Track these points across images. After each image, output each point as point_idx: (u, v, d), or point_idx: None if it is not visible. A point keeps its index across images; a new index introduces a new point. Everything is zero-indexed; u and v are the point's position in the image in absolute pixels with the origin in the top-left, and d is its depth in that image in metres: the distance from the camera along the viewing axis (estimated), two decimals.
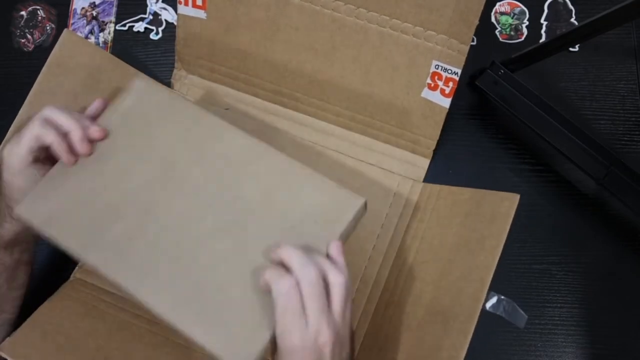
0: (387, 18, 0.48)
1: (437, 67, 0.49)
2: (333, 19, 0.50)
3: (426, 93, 0.51)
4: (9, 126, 0.46)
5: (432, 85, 0.50)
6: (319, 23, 0.51)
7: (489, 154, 0.57)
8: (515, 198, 0.41)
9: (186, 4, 0.54)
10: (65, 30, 0.49)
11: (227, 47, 0.55)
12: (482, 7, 0.45)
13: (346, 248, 0.52)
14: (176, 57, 0.58)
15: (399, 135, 0.54)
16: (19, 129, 0.46)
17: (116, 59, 0.54)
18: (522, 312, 0.52)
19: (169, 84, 0.59)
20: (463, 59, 0.48)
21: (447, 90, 0.50)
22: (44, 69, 0.48)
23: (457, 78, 0.49)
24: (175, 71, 0.59)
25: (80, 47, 0.50)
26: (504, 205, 0.42)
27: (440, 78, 0.50)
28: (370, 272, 0.52)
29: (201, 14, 0.54)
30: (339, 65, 0.52)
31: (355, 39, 0.50)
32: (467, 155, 0.57)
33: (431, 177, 0.55)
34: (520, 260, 0.54)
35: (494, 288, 0.53)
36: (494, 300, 0.53)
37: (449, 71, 0.49)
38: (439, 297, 0.43)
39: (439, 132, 0.52)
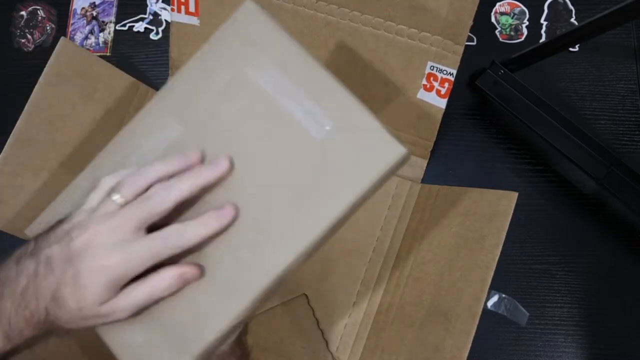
0: (382, 20, 0.48)
1: (432, 68, 0.49)
2: (327, 22, 0.50)
3: (422, 94, 0.51)
4: (8, 126, 0.47)
5: (428, 86, 0.50)
6: (313, 27, 0.51)
7: (489, 154, 0.57)
8: (514, 196, 0.41)
9: (179, 11, 0.53)
10: (62, 39, 0.49)
11: None
12: (475, 8, 0.45)
13: (347, 250, 0.53)
14: (170, 64, 0.58)
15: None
16: (18, 139, 0.46)
17: (113, 67, 0.54)
18: (524, 310, 0.52)
19: None
20: (458, 59, 0.48)
21: (443, 91, 0.50)
22: (40, 79, 0.48)
23: (452, 79, 0.49)
24: (170, 78, 0.59)
25: (77, 56, 0.50)
26: (502, 204, 0.42)
27: (435, 79, 0.50)
28: (370, 275, 0.52)
29: (194, 20, 0.54)
30: (333, 69, 0.52)
31: (349, 42, 0.50)
32: (467, 155, 0.57)
33: (431, 177, 0.55)
34: (520, 260, 0.54)
35: (494, 288, 0.53)
36: (495, 298, 0.53)
37: (445, 72, 0.49)
38: (440, 297, 0.43)
39: (435, 133, 0.52)
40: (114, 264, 0.29)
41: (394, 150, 0.31)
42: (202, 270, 0.31)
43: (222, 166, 0.31)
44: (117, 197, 0.30)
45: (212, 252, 0.32)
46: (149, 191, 0.30)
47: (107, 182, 0.32)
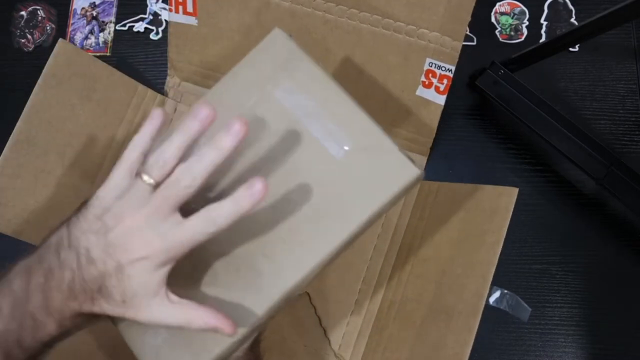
0: (380, 18, 0.48)
1: (430, 64, 0.49)
2: (325, 20, 0.50)
3: (421, 91, 0.51)
4: (8, 127, 0.47)
5: (427, 83, 0.50)
6: (311, 25, 0.50)
7: (489, 154, 0.57)
8: (514, 191, 0.41)
9: (177, 11, 0.53)
10: (60, 40, 0.49)
11: (220, 53, 0.55)
12: (473, 4, 0.45)
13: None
14: (169, 65, 0.58)
15: (396, 134, 0.54)
16: (18, 141, 0.46)
17: (111, 68, 0.54)
18: (526, 305, 0.52)
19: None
20: (456, 55, 0.48)
21: (442, 88, 0.50)
22: (39, 81, 0.48)
23: (451, 75, 0.49)
24: (168, 78, 0.59)
25: (75, 58, 0.50)
26: (502, 200, 0.42)
27: (434, 75, 0.50)
28: (372, 272, 0.52)
29: (192, 20, 0.54)
30: (332, 68, 0.52)
31: (348, 40, 0.50)
32: (467, 155, 0.57)
33: (432, 177, 0.55)
34: (520, 260, 0.54)
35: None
36: (497, 294, 0.53)
37: (443, 68, 0.49)
38: (441, 294, 0.44)
39: (435, 129, 0.52)
40: (154, 253, 0.29)
41: (408, 171, 0.33)
42: (234, 329, 0.31)
43: (237, 129, 0.30)
44: (147, 179, 0.29)
45: (232, 259, 0.34)
46: (175, 173, 0.29)
47: (127, 157, 0.31)
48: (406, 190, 0.34)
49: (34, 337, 0.30)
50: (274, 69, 0.37)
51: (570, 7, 0.61)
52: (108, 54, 0.61)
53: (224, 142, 0.30)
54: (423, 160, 0.55)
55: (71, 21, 0.63)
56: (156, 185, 0.29)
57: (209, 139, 0.30)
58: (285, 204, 0.34)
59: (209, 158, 0.29)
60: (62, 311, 0.30)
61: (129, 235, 0.29)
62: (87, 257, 0.29)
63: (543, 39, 0.60)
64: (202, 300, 0.32)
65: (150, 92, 0.57)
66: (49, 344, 0.31)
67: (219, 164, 0.30)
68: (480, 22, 0.61)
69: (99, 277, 0.29)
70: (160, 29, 0.62)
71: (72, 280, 0.29)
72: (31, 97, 0.47)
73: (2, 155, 0.46)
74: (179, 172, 0.29)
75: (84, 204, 0.31)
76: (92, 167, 0.53)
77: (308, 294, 0.52)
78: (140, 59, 0.61)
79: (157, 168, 0.30)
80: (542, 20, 0.61)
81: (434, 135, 0.53)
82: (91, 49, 0.62)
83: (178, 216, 0.29)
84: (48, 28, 0.63)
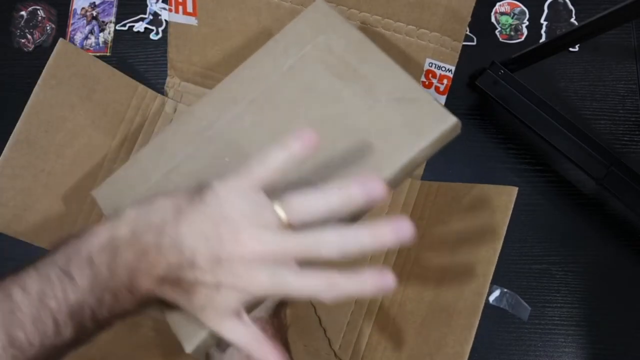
0: (379, 18, 0.48)
1: (430, 65, 0.49)
2: None
3: None
4: (8, 127, 0.47)
5: (427, 83, 0.50)
6: None
7: (489, 154, 0.57)
8: (514, 191, 0.41)
9: (177, 11, 0.53)
10: (60, 40, 0.49)
11: (220, 53, 0.55)
12: (474, 4, 0.45)
13: None
14: (169, 65, 0.58)
15: None
16: (18, 141, 0.46)
17: (112, 68, 0.54)
18: (526, 305, 0.52)
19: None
20: (456, 56, 0.48)
21: (442, 88, 0.50)
22: (39, 81, 0.48)
23: (451, 75, 0.49)
24: (168, 79, 0.59)
25: (75, 58, 0.50)
26: (502, 199, 0.42)
27: (434, 76, 0.50)
28: None
29: (192, 20, 0.54)
30: None
31: None
32: (467, 156, 0.57)
33: (431, 177, 0.55)
34: (520, 260, 0.54)
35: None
36: (497, 293, 0.53)
37: (443, 69, 0.49)
38: (441, 293, 0.44)
39: None
40: (257, 292, 0.28)
41: (445, 118, 0.35)
42: None
43: (404, 226, 0.27)
44: (281, 213, 0.27)
45: None
46: (321, 238, 0.27)
47: (257, 169, 0.29)
48: (443, 139, 0.35)
49: (111, 312, 0.29)
50: (313, 32, 0.40)
51: (570, 7, 0.61)
52: (108, 54, 0.62)
53: (388, 237, 0.27)
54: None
55: (71, 21, 0.63)
56: (286, 225, 0.27)
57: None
58: (322, 157, 0.35)
59: (365, 240, 0.27)
60: (144, 293, 0.29)
61: (240, 262, 0.27)
62: (190, 262, 0.27)
63: (543, 39, 0.60)
64: None
65: (150, 92, 0.57)
66: (122, 317, 0.30)
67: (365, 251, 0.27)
68: (480, 22, 0.61)
69: (194, 283, 0.28)
70: (160, 29, 0.62)
71: (167, 271, 0.28)
72: (31, 97, 0.47)
73: (2, 155, 0.46)
74: (324, 241, 0.27)
75: (198, 190, 0.29)
76: (92, 167, 0.53)
77: None
78: (140, 59, 0.61)
79: (298, 213, 0.28)
80: (542, 20, 0.61)
81: None
82: (91, 49, 0.62)
83: (296, 267, 0.27)
84: (48, 28, 0.63)
